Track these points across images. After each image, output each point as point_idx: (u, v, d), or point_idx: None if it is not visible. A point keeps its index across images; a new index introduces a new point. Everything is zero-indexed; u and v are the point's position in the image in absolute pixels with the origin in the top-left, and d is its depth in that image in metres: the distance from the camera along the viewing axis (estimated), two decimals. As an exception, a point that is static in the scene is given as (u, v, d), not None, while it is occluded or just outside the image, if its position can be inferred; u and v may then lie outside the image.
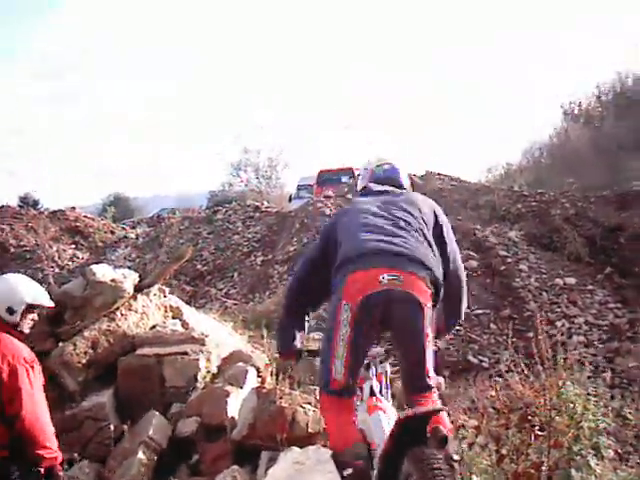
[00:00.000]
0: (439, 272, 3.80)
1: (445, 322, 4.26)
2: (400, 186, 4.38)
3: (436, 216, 4.14)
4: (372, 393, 4.07)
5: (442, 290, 3.83)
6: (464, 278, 4.26)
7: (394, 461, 3.33)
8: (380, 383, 4.20)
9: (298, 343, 4.26)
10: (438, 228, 4.08)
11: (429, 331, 3.64)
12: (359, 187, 4.54)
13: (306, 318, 4.28)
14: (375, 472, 3.51)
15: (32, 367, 4.33)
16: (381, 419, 3.88)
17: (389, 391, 4.33)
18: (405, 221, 3.91)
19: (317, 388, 6.35)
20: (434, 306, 3.75)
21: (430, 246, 3.87)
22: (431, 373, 3.68)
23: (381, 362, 4.27)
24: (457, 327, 11.91)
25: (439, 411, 3.48)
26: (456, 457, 3.48)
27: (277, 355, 5.02)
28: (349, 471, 3.47)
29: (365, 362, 3.95)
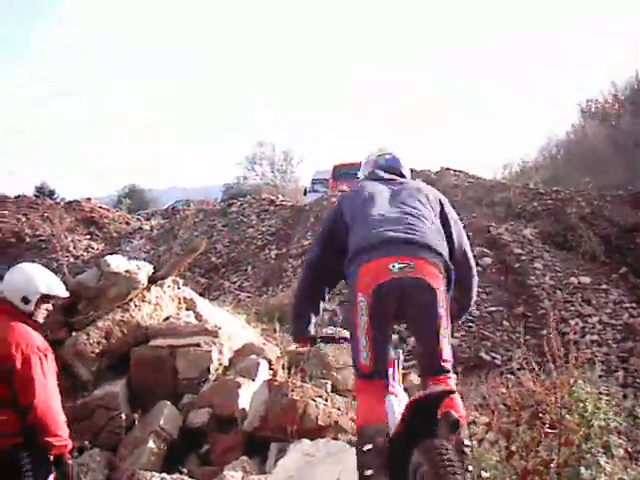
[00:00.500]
0: (448, 257, 3.84)
1: (456, 307, 4.28)
2: (402, 175, 4.42)
3: (441, 204, 4.18)
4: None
5: (453, 275, 3.87)
6: (473, 262, 4.30)
7: (404, 448, 3.37)
8: (392, 368, 4.26)
9: (312, 329, 4.34)
10: (444, 215, 4.12)
11: (444, 314, 3.67)
12: (362, 175, 4.57)
13: (321, 304, 4.32)
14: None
15: (45, 355, 4.35)
16: (393, 404, 3.94)
17: (400, 376, 4.38)
18: (414, 207, 3.96)
19: (328, 381, 6.42)
20: (447, 291, 3.78)
21: (439, 232, 3.92)
22: (446, 356, 3.70)
23: (394, 348, 4.31)
24: (468, 317, 11.91)
25: (450, 393, 3.49)
26: (467, 442, 3.51)
27: (291, 339, 5.06)
28: (369, 446, 3.52)
29: None
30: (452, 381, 3.75)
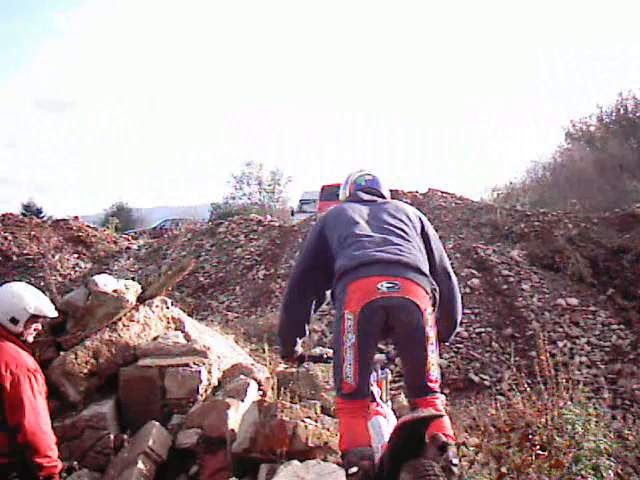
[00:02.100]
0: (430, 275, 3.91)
1: (444, 328, 4.30)
2: (382, 195, 4.47)
3: (421, 221, 4.27)
4: (372, 399, 4.13)
5: (438, 295, 3.90)
6: (454, 278, 4.36)
7: (392, 470, 3.37)
8: (381, 389, 4.28)
9: (299, 348, 4.40)
10: (425, 234, 4.20)
11: (431, 334, 3.72)
12: (342, 196, 4.62)
13: (306, 325, 4.33)
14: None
15: (35, 376, 4.34)
16: (381, 424, 3.97)
17: (389, 396, 4.39)
18: (398, 228, 4.04)
19: (317, 402, 6.41)
20: (433, 311, 3.82)
21: (422, 251, 4.00)
22: (433, 376, 3.75)
23: (382, 368, 4.33)
24: (457, 338, 11.96)
25: (438, 417, 3.49)
26: (455, 461, 3.52)
27: (280, 358, 5.08)
28: (354, 469, 3.53)
29: None
30: (439, 402, 3.82)
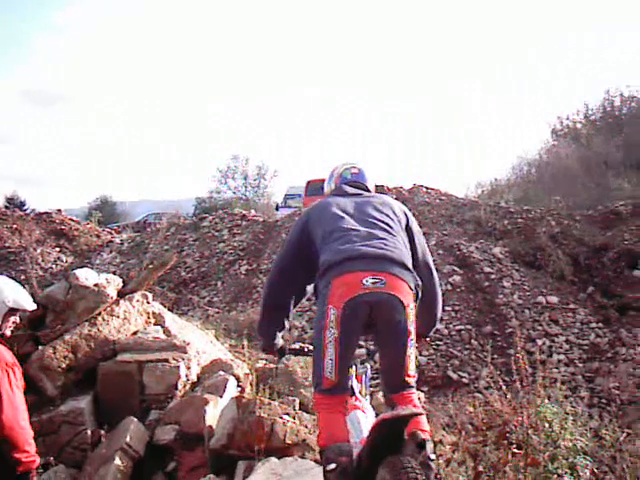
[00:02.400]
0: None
1: (424, 323, 4.32)
2: (367, 190, 4.46)
3: (406, 216, 4.26)
4: (352, 393, 4.15)
5: (420, 289, 3.92)
6: (436, 274, 4.37)
7: (370, 466, 3.39)
8: (360, 383, 4.29)
9: (279, 341, 4.39)
10: (409, 229, 4.20)
11: (412, 330, 3.73)
12: (327, 190, 4.61)
13: (285, 320, 4.34)
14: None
15: (13, 370, 4.31)
16: (359, 418, 4.00)
17: (368, 391, 4.40)
18: (383, 222, 4.03)
19: (296, 399, 6.41)
20: (415, 306, 3.83)
21: (406, 246, 3.99)
22: (411, 372, 3.78)
23: (362, 363, 4.34)
24: (436, 335, 11.99)
25: (417, 415, 3.53)
26: (432, 457, 3.56)
27: (260, 350, 5.08)
28: (332, 466, 3.54)
29: None
30: (415, 397, 3.84)
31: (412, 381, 3.80)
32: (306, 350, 4.62)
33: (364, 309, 3.67)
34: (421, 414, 3.63)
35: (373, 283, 3.65)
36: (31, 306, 4.62)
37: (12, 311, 4.45)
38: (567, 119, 35.08)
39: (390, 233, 3.95)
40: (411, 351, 3.74)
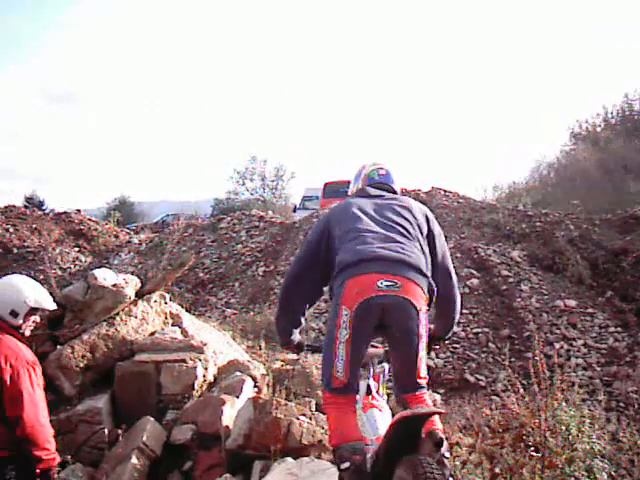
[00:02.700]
0: (431, 273, 3.93)
1: (442, 326, 4.33)
2: (393, 192, 4.45)
3: (428, 220, 4.25)
4: (369, 392, 4.18)
5: (435, 294, 3.93)
6: (455, 278, 4.36)
7: (388, 464, 3.40)
8: (377, 382, 4.30)
9: (297, 337, 4.45)
10: (430, 232, 4.19)
11: (423, 333, 3.74)
12: (353, 189, 4.61)
13: (302, 317, 4.37)
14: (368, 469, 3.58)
15: (34, 369, 4.35)
16: (376, 417, 4.04)
17: (385, 391, 4.42)
18: (401, 226, 4.03)
19: (312, 400, 6.42)
20: (428, 310, 3.84)
21: (424, 252, 3.98)
22: (423, 374, 3.81)
23: (379, 362, 4.35)
24: (454, 338, 11.98)
25: (435, 413, 3.58)
26: (447, 454, 3.60)
27: (280, 346, 5.12)
28: (346, 464, 3.56)
29: (363, 362, 4.01)
30: (427, 396, 3.87)
31: (423, 382, 3.83)
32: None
33: (377, 311, 3.68)
34: (439, 413, 3.68)
35: (387, 286, 3.66)
36: (52, 306, 4.66)
37: (33, 310, 4.49)
38: (586, 122, 34.97)
39: (407, 237, 3.95)
40: (422, 354, 3.77)
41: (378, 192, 4.36)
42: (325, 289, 4.27)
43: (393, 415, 4.08)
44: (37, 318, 4.59)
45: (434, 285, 3.90)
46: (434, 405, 4.37)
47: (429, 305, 3.87)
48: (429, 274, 3.87)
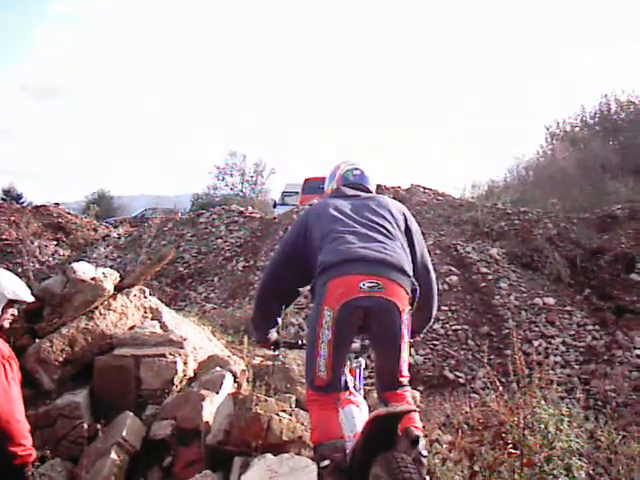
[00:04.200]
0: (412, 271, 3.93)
1: (420, 320, 4.34)
2: (367, 190, 4.45)
3: (405, 217, 4.26)
4: (345, 387, 4.17)
5: (417, 293, 3.93)
6: (433, 274, 4.38)
7: (364, 461, 3.41)
8: (354, 377, 4.31)
9: (273, 335, 4.47)
10: (408, 230, 4.20)
11: (406, 333, 3.76)
12: (328, 189, 4.61)
13: (278, 318, 4.41)
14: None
15: (9, 363, 4.29)
16: (353, 412, 4.05)
17: (362, 385, 4.43)
18: (381, 225, 4.03)
19: (292, 396, 6.42)
20: (411, 310, 3.85)
21: (405, 249, 3.99)
22: (405, 372, 3.83)
23: (356, 357, 4.36)
24: (433, 335, 12.04)
25: (411, 411, 3.58)
26: (424, 453, 3.61)
27: (256, 343, 5.12)
28: (326, 462, 3.57)
29: None
30: (408, 394, 3.89)
31: (405, 380, 3.86)
32: (300, 344, 4.65)
33: (359, 312, 3.68)
34: (415, 411, 3.68)
35: (370, 287, 3.65)
36: (29, 298, 4.61)
37: (10, 303, 4.44)
38: (564, 122, 35.17)
39: (388, 237, 3.95)
40: (404, 353, 3.79)
41: (354, 192, 4.35)
42: (302, 290, 4.28)
43: (371, 412, 4.11)
44: (15, 311, 4.53)
45: (416, 285, 3.91)
46: (414, 403, 4.38)
47: (411, 305, 3.88)
48: (411, 273, 3.88)
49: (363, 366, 4.47)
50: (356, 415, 4.03)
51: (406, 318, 3.75)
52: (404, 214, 4.27)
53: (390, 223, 4.07)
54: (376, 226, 4.00)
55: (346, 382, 4.18)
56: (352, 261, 3.74)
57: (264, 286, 4.35)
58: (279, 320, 4.41)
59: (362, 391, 4.43)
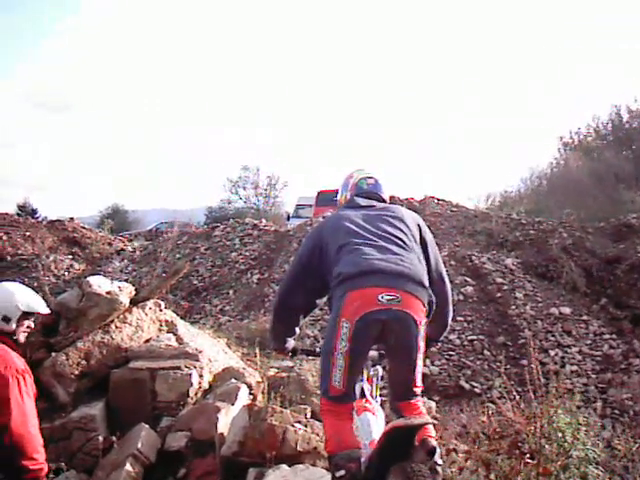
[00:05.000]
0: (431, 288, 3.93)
1: (436, 329, 4.35)
2: (383, 200, 4.45)
3: (419, 228, 4.26)
4: (362, 395, 4.17)
5: (434, 306, 3.95)
6: (448, 284, 4.39)
7: (380, 471, 3.42)
8: (371, 385, 4.31)
9: (291, 343, 4.49)
10: (423, 240, 4.20)
11: (421, 345, 3.78)
12: (342, 198, 4.60)
13: (296, 328, 4.41)
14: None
15: (24, 377, 4.29)
16: (369, 420, 4.04)
17: (379, 393, 4.43)
18: (397, 237, 4.03)
19: (307, 407, 6.41)
20: (427, 322, 3.87)
21: (421, 261, 3.99)
22: (419, 383, 3.87)
23: (373, 365, 4.35)
24: (449, 346, 12.01)
25: (427, 424, 3.61)
26: (440, 462, 3.65)
27: (273, 350, 5.13)
28: (341, 472, 3.58)
29: None
30: (421, 403, 3.94)
31: (418, 391, 3.89)
32: (318, 352, 4.64)
33: (377, 325, 3.68)
34: (431, 423, 3.72)
35: (388, 300, 3.65)
36: (44, 310, 4.62)
37: (26, 315, 4.45)
38: (577, 132, 35.13)
39: (404, 249, 3.95)
40: (419, 364, 3.82)
41: (368, 202, 4.35)
42: (319, 302, 4.28)
43: (387, 420, 4.10)
44: (31, 323, 4.55)
45: (433, 297, 3.91)
46: (428, 413, 4.38)
47: (428, 316, 3.88)
48: (428, 285, 3.88)
49: (380, 374, 4.46)
50: (372, 423, 4.03)
51: (422, 330, 3.76)
52: (418, 225, 4.26)
53: (405, 234, 4.06)
54: (392, 237, 3.99)
55: (362, 390, 4.18)
56: (370, 273, 3.74)
57: (281, 299, 4.35)
58: (297, 330, 4.41)
59: (379, 398, 4.42)
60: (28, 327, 4.52)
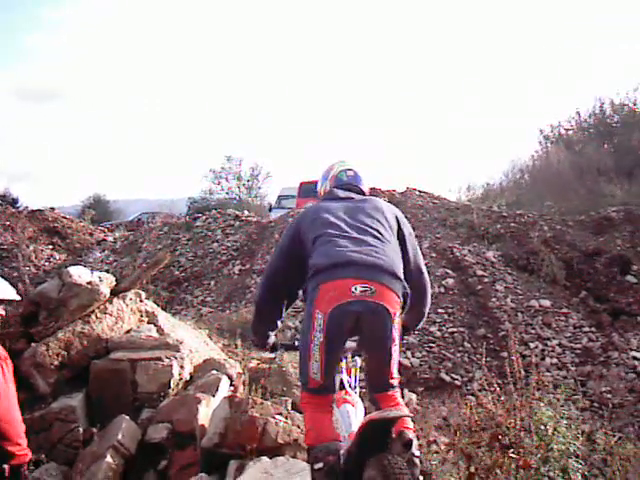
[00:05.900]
0: (403, 271, 3.93)
1: (413, 318, 4.39)
2: (362, 192, 4.46)
3: (398, 220, 4.26)
4: (341, 386, 4.20)
5: (409, 297, 3.95)
6: (426, 275, 4.39)
7: (358, 464, 3.43)
8: (350, 376, 4.32)
9: (272, 339, 4.49)
10: (401, 232, 4.20)
11: (396, 336, 3.77)
12: (321, 190, 4.61)
13: (278, 320, 4.40)
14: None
15: (6, 363, 4.27)
16: (349, 412, 4.08)
17: (358, 385, 4.43)
18: (374, 229, 4.03)
19: (288, 399, 6.42)
20: (402, 313, 3.88)
21: (397, 252, 4.00)
22: (395, 375, 3.86)
23: (352, 356, 4.36)
24: (429, 338, 12.05)
25: (404, 416, 3.61)
26: (417, 453, 3.65)
27: (253, 346, 5.12)
28: (320, 465, 3.59)
29: None
30: (398, 394, 3.93)
31: (395, 382, 3.88)
32: (297, 345, 4.64)
33: (351, 316, 3.68)
34: (408, 416, 3.71)
35: (362, 291, 3.65)
36: (14, 295, 4.57)
37: None
38: (558, 126, 35.21)
39: (381, 240, 3.95)
40: (395, 356, 3.81)
41: (347, 194, 4.36)
42: (300, 292, 4.28)
43: (366, 411, 4.12)
44: (2, 311, 4.51)
45: (408, 289, 3.91)
46: (408, 405, 4.40)
47: (403, 308, 3.89)
48: (403, 277, 3.88)
49: (358, 366, 4.47)
50: (352, 414, 4.05)
51: (397, 322, 3.76)
52: (397, 217, 4.27)
53: (383, 226, 4.07)
54: (368, 229, 3.99)
55: (342, 382, 4.20)
56: (343, 265, 3.75)
57: (263, 290, 4.35)
58: (279, 323, 4.42)
59: (358, 389, 4.44)
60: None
